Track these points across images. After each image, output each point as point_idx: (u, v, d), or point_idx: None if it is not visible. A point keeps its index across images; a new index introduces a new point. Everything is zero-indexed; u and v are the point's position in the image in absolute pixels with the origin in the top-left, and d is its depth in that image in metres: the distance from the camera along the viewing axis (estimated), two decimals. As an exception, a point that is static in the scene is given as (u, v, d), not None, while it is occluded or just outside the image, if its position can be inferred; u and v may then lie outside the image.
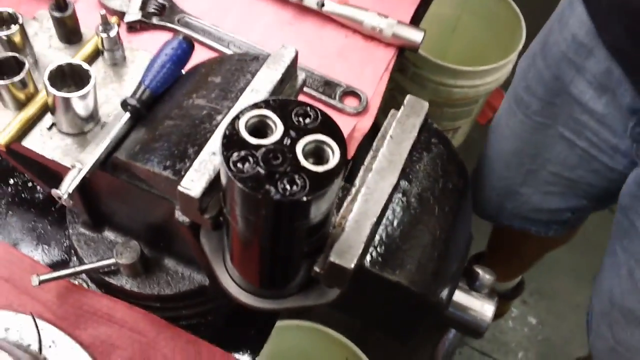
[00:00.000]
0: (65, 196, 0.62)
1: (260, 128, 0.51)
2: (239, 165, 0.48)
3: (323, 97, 0.97)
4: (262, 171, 0.47)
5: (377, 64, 1.03)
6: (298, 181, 0.47)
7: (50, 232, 0.88)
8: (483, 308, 0.68)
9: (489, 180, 1.36)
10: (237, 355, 0.82)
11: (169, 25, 1.03)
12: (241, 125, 0.49)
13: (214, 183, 0.57)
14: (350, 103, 0.98)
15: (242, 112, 0.50)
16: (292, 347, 1.48)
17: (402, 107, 0.63)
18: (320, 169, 0.48)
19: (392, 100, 2.01)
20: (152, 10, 1.04)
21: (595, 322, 1.20)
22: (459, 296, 0.67)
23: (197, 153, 0.59)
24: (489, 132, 1.34)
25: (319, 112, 0.51)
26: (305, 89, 0.98)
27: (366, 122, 0.96)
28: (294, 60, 0.66)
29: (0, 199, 0.90)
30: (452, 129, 2.08)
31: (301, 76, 0.68)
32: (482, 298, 0.68)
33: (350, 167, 0.93)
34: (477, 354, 1.94)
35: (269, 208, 0.48)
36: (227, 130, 0.49)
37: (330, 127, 0.51)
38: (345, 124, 0.95)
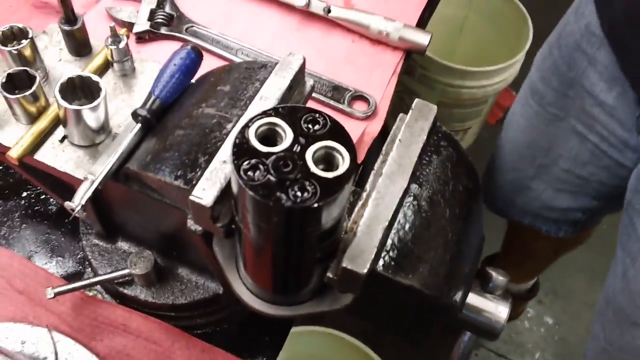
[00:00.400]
0: (78, 208, 0.63)
1: (269, 136, 0.51)
2: (250, 173, 0.48)
3: (332, 102, 0.98)
4: (272, 179, 0.48)
5: (385, 67, 1.03)
6: (309, 188, 0.47)
7: (64, 243, 0.88)
8: (497, 310, 0.67)
9: (501, 172, 1.36)
10: (252, 362, 0.82)
11: (177, 35, 1.04)
12: (251, 134, 0.50)
13: (226, 191, 0.57)
14: (359, 107, 0.98)
15: (251, 121, 0.50)
16: (307, 352, 1.48)
17: (411, 111, 0.63)
18: (330, 175, 0.48)
19: (400, 102, 2.02)
20: (160, 21, 1.04)
21: (593, 323, 1.20)
22: (473, 298, 0.67)
23: (208, 162, 0.59)
24: (504, 124, 1.34)
25: (327, 118, 0.52)
26: (313, 94, 0.98)
27: (375, 126, 0.96)
28: (302, 67, 0.66)
29: (13, 212, 0.91)
30: (462, 129, 2.08)
31: (309, 82, 0.69)
32: (496, 300, 0.67)
33: (361, 171, 0.93)
34: (493, 356, 1.93)
35: (281, 215, 0.48)
36: (237, 139, 0.49)
37: (339, 133, 0.51)
38: (354, 128, 0.95)
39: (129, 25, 1.04)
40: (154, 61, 0.99)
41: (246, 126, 0.50)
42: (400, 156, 0.60)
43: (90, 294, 0.82)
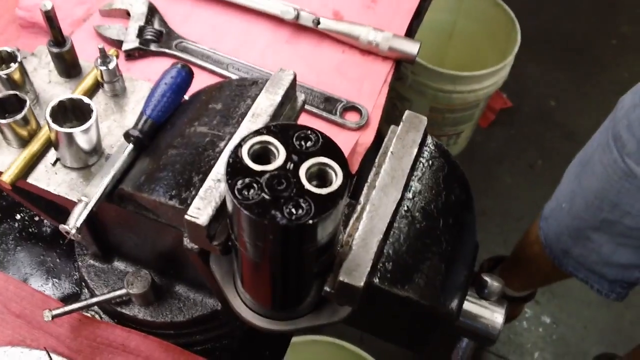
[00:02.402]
0: (73, 231, 0.63)
1: (262, 154, 0.51)
2: (244, 192, 0.48)
3: (324, 114, 0.98)
4: (267, 197, 0.48)
5: (376, 77, 1.03)
6: (303, 205, 0.48)
7: (59, 265, 0.88)
8: (493, 315, 0.67)
9: (565, 216, 1.32)
10: (252, 377, 0.82)
11: (167, 51, 1.04)
12: (244, 153, 0.50)
13: (221, 209, 0.57)
14: (352, 118, 0.98)
15: (244, 140, 0.51)
16: (308, 362, 1.48)
17: (401, 123, 0.63)
18: (324, 191, 0.48)
19: (393, 108, 2.02)
20: (150, 37, 1.05)
21: None
22: (469, 305, 0.67)
23: (202, 181, 0.59)
24: (577, 162, 1.30)
25: (319, 135, 0.52)
26: (306, 106, 0.99)
27: (368, 136, 0.97)
28: (293, 83, 0.66)
29: (7, 235, 0.91)
30: (454, 133, 2.09)
31: (301, 97, 0.69)
32: (491, 306, 0.68)
33: (355, 182, 0.94)
34: (493, 357, 1.93)
35: (276, 233, 0.49)
36: (231, 158, 0.49)
37: (331, 149, 0.51)
38: (347, 139, 0.96)
39: (118, 43, 1.04)
40: (144, 78, 1.00)
41: (239, 145, 0.50)
42: (392, 168, 0.60)
43: (88, 314, 0.82)
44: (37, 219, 0.92)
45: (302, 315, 0.64)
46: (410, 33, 1.12)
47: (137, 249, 0.78)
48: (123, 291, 0.76)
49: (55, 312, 0.76)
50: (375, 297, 0.58)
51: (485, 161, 2.29)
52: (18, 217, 0.92)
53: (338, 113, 0.98)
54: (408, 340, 0.72)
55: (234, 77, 1.01)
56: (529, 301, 1.93)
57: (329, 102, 0.99)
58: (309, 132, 0.52)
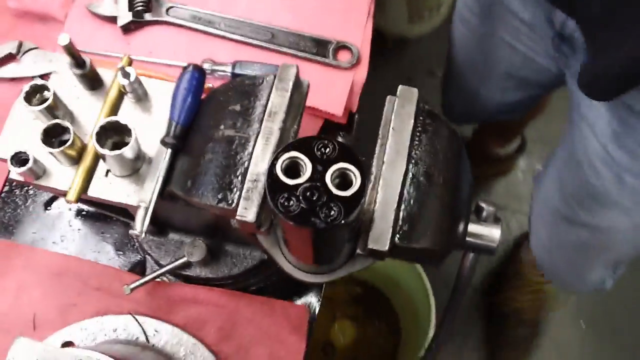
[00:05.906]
0: (142, 235, 0.76)
1: (292, 167, 0.63)
2: (285, 204, 0.61)
3: (317, 58, 1.06)
4: (304, 207, 0.60)
5: (359, 10, 1.10)
6: (334, 208, 0.61)
7: (119, 240, 1.02)
8: (491, 232, 0.82)
9: (453, 85, 1.49)
10: (301, 300, 0.99)
11: (160, 19, 1.10)
12: (278, 171, 0.62)
13: (262, 204, 0.70)
14: (344, 57, 1.06)
15: (276, 159, 0.62)
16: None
17: (397, 98, 0.74)
18: (348, 193, 0.61)
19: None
20: (141, 8, 1.10)
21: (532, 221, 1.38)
22: (472, 227, 0.81)
23: (241, 182, 0.71)
24: (449, 44, 1.43)
25: (335, 143, 0.63)
26: (299, 53, 1.07)
27: (361, 73, 1.05)
28: (297, 75, 0.76)
29: (67, 220, 1.03)
30: (436, 5, 2.12)
31: (305, 83, 0.79)
32: (489, 225, 0.81)
33: (357, 120, 1.05)
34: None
35: (316, 233, 0.62)
36: (270, 179, 0.61)
37: (348, 153, 0.63)
38: (343, 79, 1.04)
39: (113, 19, 1.10)
40: (146, 51, 1.07)
41: (273, 165, 0.62)
42: (396, 143, 0.72)
43: (158, 280, 0.97)
44: (88, 200, 1.04)
45: (339, 267, 0.78)
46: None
47: (186, 224, 0.91)
48: (185, 260, 0.90)
49: (132, 285, 0.91)
50: (398, 251, 0.72)
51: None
52: (71, 203, 1.04)
53: (330, 55, 1.06)
54: (428, 261, 0.87)
55: (228, 35, 1.08)
56: (521, 152, 2.10)
57: (320, 45, 1.07)
58: (326, 141, 0.63)
